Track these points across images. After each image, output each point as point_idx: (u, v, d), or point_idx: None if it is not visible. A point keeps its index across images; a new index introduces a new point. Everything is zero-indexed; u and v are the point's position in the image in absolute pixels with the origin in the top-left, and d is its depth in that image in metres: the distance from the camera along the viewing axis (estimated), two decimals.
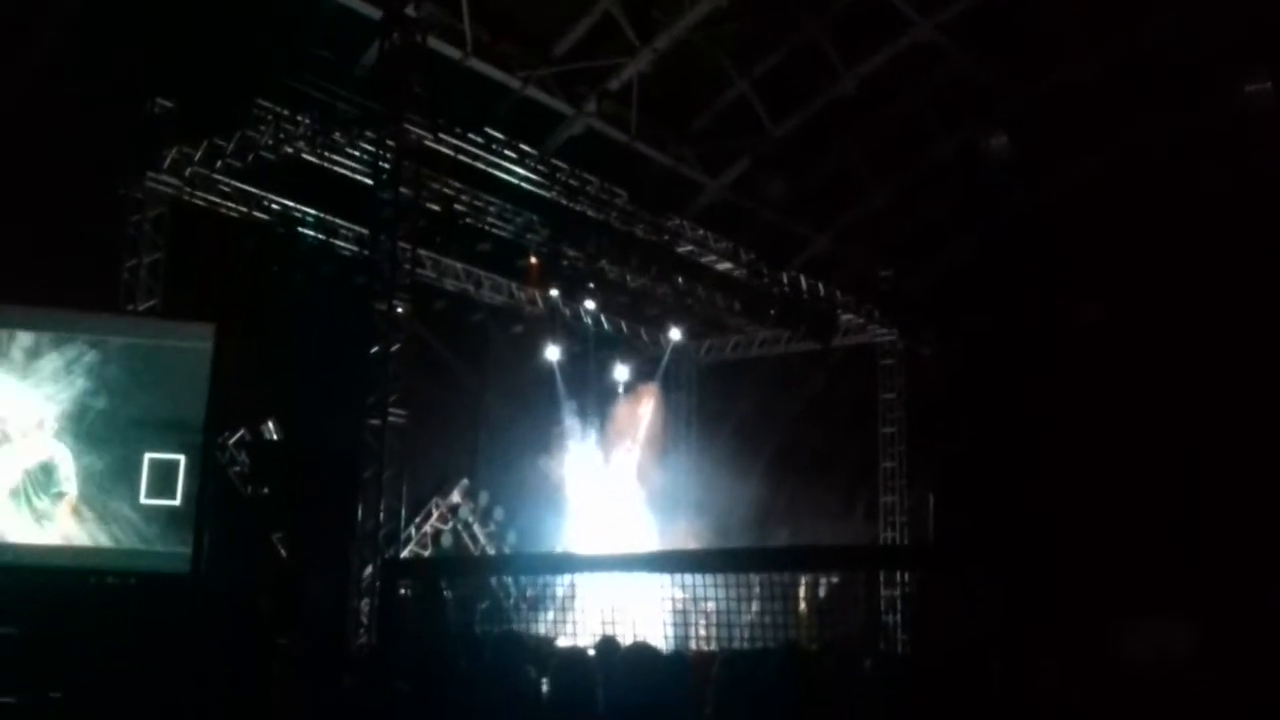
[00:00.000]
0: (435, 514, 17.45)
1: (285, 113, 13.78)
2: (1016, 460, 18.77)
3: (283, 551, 14.63)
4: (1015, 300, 19.73)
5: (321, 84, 14.05)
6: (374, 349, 12.57)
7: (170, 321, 13.66)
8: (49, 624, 10.49)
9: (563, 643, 12.50)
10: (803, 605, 15.20)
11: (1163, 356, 18.08)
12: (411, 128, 13.01)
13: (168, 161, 14.37)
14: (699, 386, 21.31)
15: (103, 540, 12.08)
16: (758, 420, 20.25)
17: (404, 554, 14.74)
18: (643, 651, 5.64)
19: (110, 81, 13.12)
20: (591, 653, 6.61)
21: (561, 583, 15.72)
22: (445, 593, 11.59)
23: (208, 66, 13.53)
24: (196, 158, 14.32)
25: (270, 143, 13.86)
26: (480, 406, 18.39)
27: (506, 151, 14.50)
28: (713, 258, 17.59)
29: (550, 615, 16.47)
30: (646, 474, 19.99)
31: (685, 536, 20.39)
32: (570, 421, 18.91)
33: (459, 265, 17.14)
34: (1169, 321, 18.14)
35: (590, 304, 18.35)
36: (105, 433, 12.27)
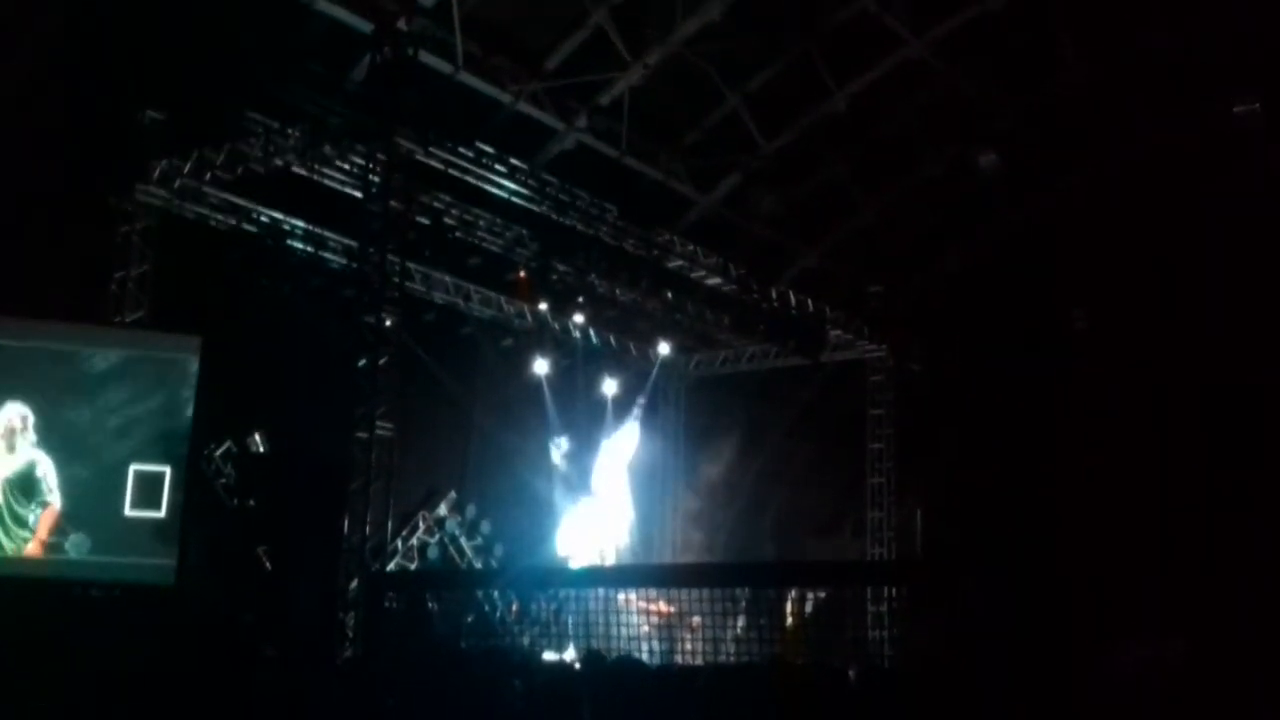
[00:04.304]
0: (422, 527, 17.39)
1: (275, 125, 13.77)
2: (1005, 476, 18.77)
3: (268, 564, 14.57)
4: (1005, 316, 19.77)
5: (312, 97, 14.05)
6: (362, 361, 12.55)
7: (157, 333, 13.65)
8: (31, 634, 10.43)
9: (549, 657, 12.49)
10: (789, 620, 15.17)
11: (1154, 370, 18.12)
12: (402, 141, 13.01)
13: (157, 173, 14.36)
14: (687, 401, 21.32)
15: (87, 551, 12.05)
16: (746, 435, 20.25)
17: (390, 567, 14.70)
18: (629, 666, 5.63)
19: (100, 93, 13.11)
20: (577, 667, 6.59)
21: (548, 597, 15.72)
22: (431, 606, 11.54)
23: (198, 78, 13.53)
24: (186, 170, 14.30)
25: (260, 155, 13.85)
26: (468, 419, 18.35)
27: (497, 165, 14.51)
28: (702, 273, 17.61)
29: (536, 629, 16.44)
30: (634, 488, 19.98)
31: (672, 551, 20.39)
32: (558, 435, 18.90)
33: (448, 278, 17.12)
34: (1160, 336, 18.19)
35: (579, 318, 18.35)
36: (90, 444, 12.27)
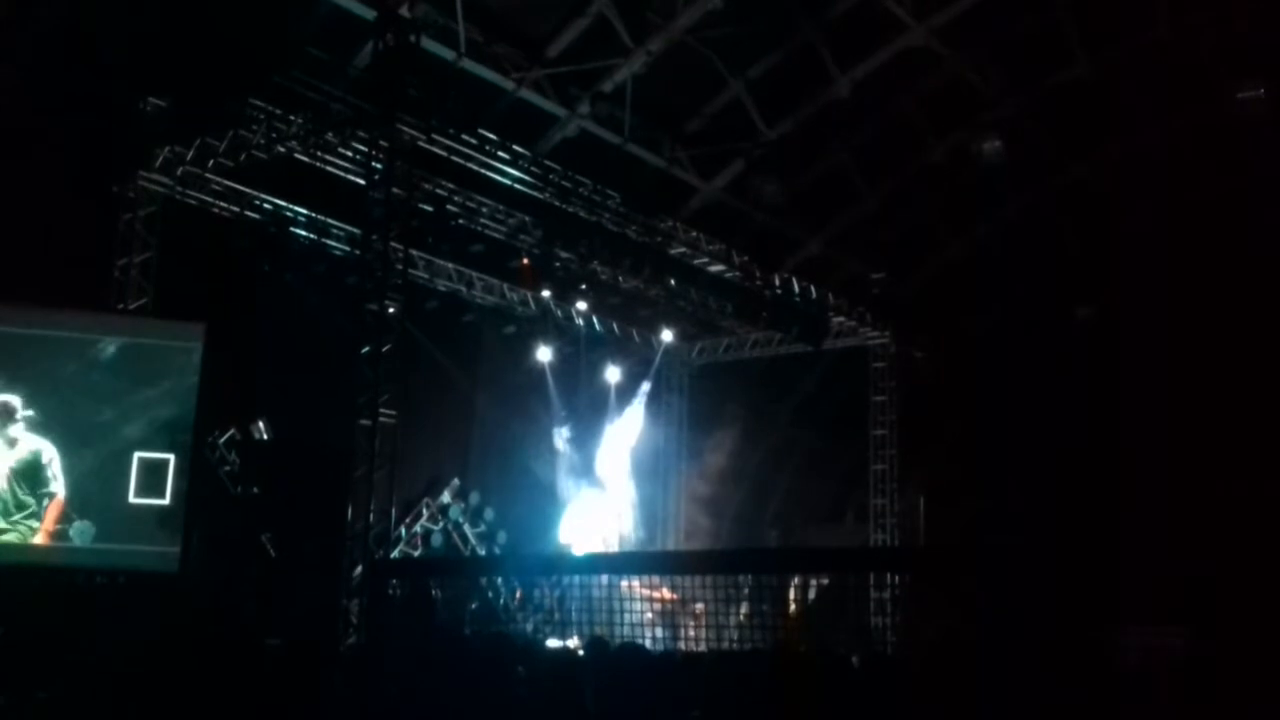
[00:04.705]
0: (426, 514, 17.43)
1: (278, 112, 13.75)
2: (1007, 463, 18.79)
3: (272, 551, 14.60)
4: (1007, 303, 19.77)
5: (315, 84, 14.03)
6: (365, 349, 12.55)
7: (161, 321, 13.66)
8: (36, 623, 10.46)
9: (552, 643, 12.52)
10: (792, 607, 15.20)
11: (1156, 358, 18.12)
12: (404, 128, 12.99)
13: (160, 160, 14.35)
14: (690, 388, 21.33)
15: (91, 539, 12.07)
16: (749, 422, 20.26)
17: (394, 554, 14.72)
18: (632, 652, 5.65)
19: (103, 80, 13.09)
20: (581, 653, 6.61)
21: (551, 583, 15.75)
22: (435, 593, 11.57)
23: (201, 65, 13.51)
24: (189, 156, 14.29)
25: (263, 142, 13.84)
26: (471, 407, 18.37)
27: (499, 153, 14.49)
28: (705, 260, 17.60)
29: (540, 615, 16.48)
30: (637, 475, 20.00)
31: (675, 537, 20.41)
32: (561, 422, 18.92)
33: (451, 266, 17.12)
34: (1162, 323, 18.18)
35: (582, 305, 18.34)
36: (94, 431, 12.28)
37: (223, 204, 14.89)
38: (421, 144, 13.41)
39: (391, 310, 12.75)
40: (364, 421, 12.39)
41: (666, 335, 19.89)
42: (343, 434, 12.56)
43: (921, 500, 19.59)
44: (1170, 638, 12.32)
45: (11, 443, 12.02)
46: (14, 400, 11.98)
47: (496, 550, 17.68)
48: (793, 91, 17.14)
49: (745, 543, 19.80)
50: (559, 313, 18.64)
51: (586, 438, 19.35)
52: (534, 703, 5.75)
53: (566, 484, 18.89)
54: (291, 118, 13.67)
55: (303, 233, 15.33)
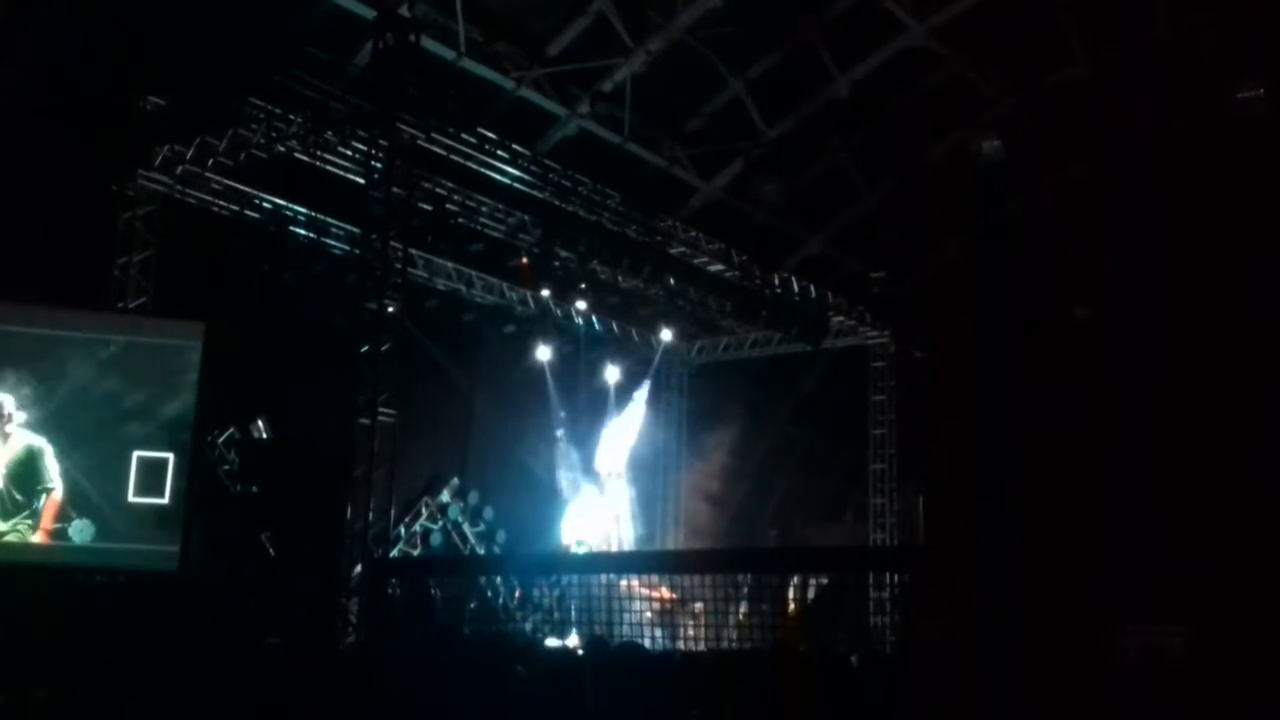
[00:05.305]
0: (425, 513, 17.42)
1: (278, 111, 13.75)
2: (1007, 463, 18.78)
3: (271, 550, 14.60)
4: (1006, 302, 19.76)
5: (314, 83, 14.03)
6: (364, 348, 12.55)
7: (160, 320, 13.67)
8: (34, 621, 10.47)
9: (552, 643, 12.52)
10: (791, 606, 15.20)
11: (1154, 358, 18.11)
12: (404, 127, 13.00)
13: (159, 159, 14.35)
14: (690, 387, 21.33)
15: (90, 538, 12.08)
16: (748, 421, 20.26)
17: (393, 553, 14.72)
18: (632, 652, 5.65)
19: (102, 79, 13.09)
20: (580, 653, 6.61)
21: (551, 583, 15.76)
22: (434, 592, 11.57)
23: (200, 64, 13.51)
24: (188, 155, 14.29)
25: (262, 141, 13.83)
26: (471, 406, 18.36)
27: (499, 152, 14.49)
28: (705, 259, 17.60)
29: (539, 615, 16.48)
30: (636, 474, 20.00)
31: (675, 537, 20.42)
32: (561, 421, 18.91)
33: (450, 265, 17.13)
34: (1161, 323, 18.17)
35: (582, 304, 18.34)
36: (94, 430, 12.29)
37: (222, 203, 14.89)
38: (421, 143, 13.41)
39: (391, 309, 12.76)
40: (363, 421, 12.39)
41: (666, 334, 19.89)
42: (342, 433, 12.56)
43: (921, 499, 19.58)
44: (1170, 637, 12.32)
45: (4, 438, 12.03)
46: (4, 399, 11.99)
47: (496, 549, 17.68)
48: (792, 91, 17.15)
49: (745, 541, 19.80)
50: (558, 312, 18.64)
51: (586, 437, 19.35)
52: (533, 702, 5.75)
53: (566, 483, 18.89)
54: (291, 117, 13.67)
55: (302, 232, 15.33)
